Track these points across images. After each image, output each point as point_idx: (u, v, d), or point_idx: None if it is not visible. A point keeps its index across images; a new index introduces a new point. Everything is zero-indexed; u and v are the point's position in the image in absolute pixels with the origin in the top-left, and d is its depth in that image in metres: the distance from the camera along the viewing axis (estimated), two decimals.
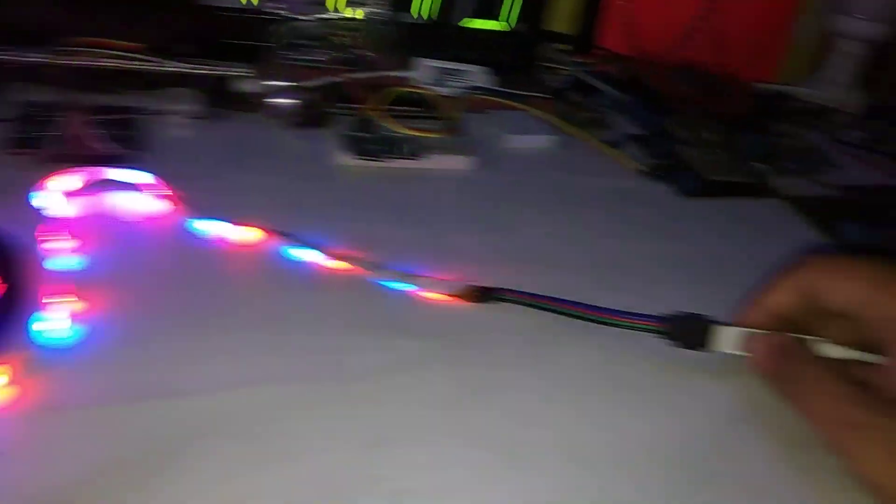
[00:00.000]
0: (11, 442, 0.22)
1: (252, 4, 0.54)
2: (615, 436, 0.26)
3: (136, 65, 0.46)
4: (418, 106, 0.50)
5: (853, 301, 0.26)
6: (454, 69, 0.53)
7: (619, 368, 0.30)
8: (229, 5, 0.53)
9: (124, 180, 0.36)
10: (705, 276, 0.38)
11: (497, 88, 0.54)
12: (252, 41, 0.52)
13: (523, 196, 0.44)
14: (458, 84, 0.53)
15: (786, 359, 0.27)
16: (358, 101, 0.48)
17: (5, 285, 0.27)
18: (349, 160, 0.44)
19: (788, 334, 0.28)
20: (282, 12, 0.53)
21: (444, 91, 0.51)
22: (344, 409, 0.26)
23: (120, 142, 0.39)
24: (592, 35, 0.65)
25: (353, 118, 0.46)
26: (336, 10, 0.54)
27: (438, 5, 0.58)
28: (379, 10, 0.55)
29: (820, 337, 0.28)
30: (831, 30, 0.68)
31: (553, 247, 0.39)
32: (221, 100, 0.47)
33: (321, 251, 0.34)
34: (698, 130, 0.52)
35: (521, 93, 0.55)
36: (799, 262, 0.28)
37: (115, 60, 0.45)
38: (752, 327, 0.28)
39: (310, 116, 0.47)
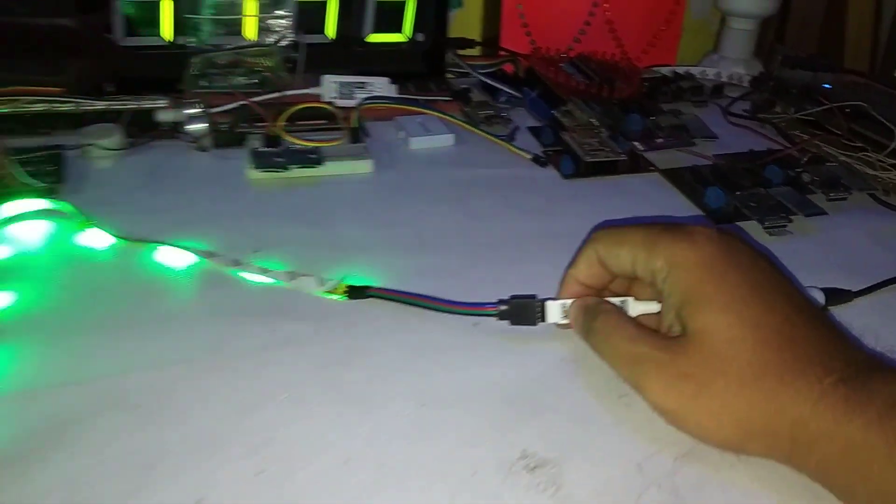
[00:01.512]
0: None
1: (167, 41, 0.58)
2: (466, 381, 0.31)
3: (59, 106, 0.51)
4: (325, 119, 0.55)
5: (627, 263, 0.30)
6: (358, 82, 0.57)
7: (469, 337, 0.34)
8: (146, 43, 0.58)
9: (46, 209, 0.41)
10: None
11: (400, 96, 0.58)
12: (169, 74, 0.56)
13: (418, 192, 0.49)
14: (363, 95, 0.57)
15: (589, 316, 0.31)
16: (266, 119, 0.52)
17: None
18: (258, 173, 0.48)
19: (592, 297, 0.32)
20: (195, 45, 0.58)
21: (347, 103, 0.56)
22: (227, 377, 0.30)
23: (44, 177, 0.44)
24: (497, 38, 0.69)
25: (261, 135, 0.51)
26: (247, 38, 0.59)
27: (344, 25, 0.62)
28: (286, 35, 0.60)
29: (625, 295, 0.32)
30: (723, 9, 0.73)
31: (441, 233, 0.44)
32: (142, 130, 0.52)
33: (209, 257, 0.38)
34: (585, 116, 0.57)
35: (424, 97, 0.60)
36: (589, 237, 0.32)
37: (39, 104, 0.50)
38: (568, 298, 0.33)
39: (224, 138, 0.52)
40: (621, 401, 0.30)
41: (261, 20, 0.59)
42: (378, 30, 0.64)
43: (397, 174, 0.51)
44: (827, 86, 0.60)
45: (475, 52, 0.72)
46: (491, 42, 0.72)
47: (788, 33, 0.80)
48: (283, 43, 0.59)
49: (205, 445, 0.27)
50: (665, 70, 0.71)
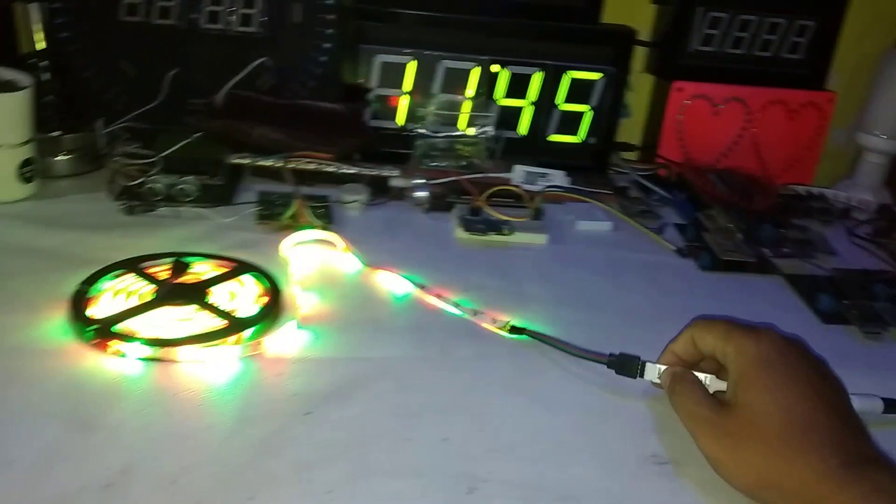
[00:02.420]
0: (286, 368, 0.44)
1: (399, 126, 0.77)
2: (618, 401, 0.44)
3: (327, 168, 0.70)
4: (513, 198, 0.71)
5: (710, 346, 0.40)
6: (541, 172, 0.73)
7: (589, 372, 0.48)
8: (386, 126, 0.77)
9: (327, 240, 0.59)
10: None
11: (572, 186, 0.74)
12: (399, 150, 0.75)
13: (582, 264, 0.63)
14: (544, 183, 0.73)
15: (675, 381, 0.41)
16: (471, 194, 0.69)
17: (270, 298, 0.50)
18: (464, 234, 0.64)
19: (680, 368, 0.42)
20: (420, 130, 0.76)
21: (532, 188, 0.72)
22: (450, 371, 0.46)
23: (323, 218, 0.62)
24: (655, 145, 0.83)
25: (467, 206, 0.68)
26: (460, 129, 0.77)
27: (533, 126, 0.79)
28: (488, 129, 0.77)
29: (704, 371, 0.42)
30: (858, 143, 0.83)
31: (596, 298, 0.58)
32: (381, 191, 0.70)
33: (430, 292, 0.54)
34: (724, 221, 0.70)
35: (591, 189, 0.74)
36: (690, 323, 0.43)
37: (314, 165, 0.69)
38: (664, 364, 0.43)
39: (439, 204, 0.69)
40: None
41: (472, 117, 0.77)
42: (559, 132, 0.80)
43: (566, 248, 0.65)
44: None
45: (632, 154, 0.87)
46: (647, 148, 0.86)
47: None
48: (487, 135, 0.76)
49: (442, 409, 0.42)
50: (801, 189, 0.82)
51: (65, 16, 0.70)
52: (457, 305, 0.53)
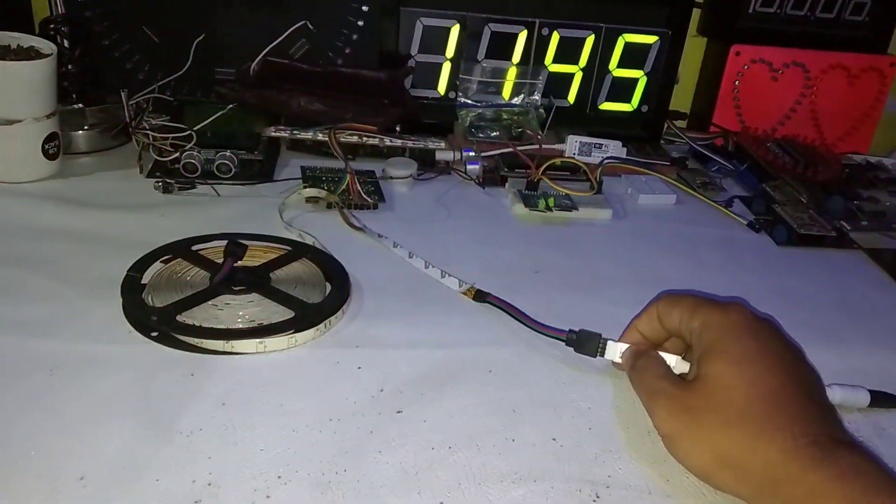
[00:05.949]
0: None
1: (441, 95, 0.72)
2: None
3: (370, 140, 0.65)
4: (569, 171, 0.66)
5: (675, 322, 0.37)
6: (595, 142, 0.69)
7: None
8: (429, 95, 0.72)
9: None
10: (793, 305, 0.51)
11: (629, 157, 0.69)
12: (440, 121, 0.70)
13: (651, 241, 0.59)
14: (599, 154, 0.68)
15: (635, 357, 0.38)
16: (525, 166, 0.64)
17: (336, 283, 0.45)
18: (523, 210, 0.60)
19: (642, 345, 0.39)
20: (465, 100, 0.71)
21: (587, 159, 0.67)
22: (540, 355, 0.42)
23: (373, 195, 0.58)
24: (710, 113, 0.79)
25: (522, 179, 0.63)
26: (505, 99, 0.72)
27: (583, 93, 0.74)
28: (537, 98, 0.72)
29: (669, 352, 0.38)
30: None
31: (674, 277, 0.54)
32: (427, 165, 0.65)
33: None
34: (793, 193, 0.66)
35: (648, 161, 0.70)
36: (656, 298, 0.39)
37: (357, 137, 0.64)
38: (627, 343, 0.39)
39: (491, 177, 0.65)
40: None
41: (519, 84, 0.72)
42: (610, 99, 0.75)
43: (631, 224, 0.61)
44: None
45: (682, 123, 0.82)
46: (698, 115, 0.81)
47: None
48: (536, 104, 0.71)
49: (544, 403, 0.38)
50: (858, 158, 0.78)
51: None
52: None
